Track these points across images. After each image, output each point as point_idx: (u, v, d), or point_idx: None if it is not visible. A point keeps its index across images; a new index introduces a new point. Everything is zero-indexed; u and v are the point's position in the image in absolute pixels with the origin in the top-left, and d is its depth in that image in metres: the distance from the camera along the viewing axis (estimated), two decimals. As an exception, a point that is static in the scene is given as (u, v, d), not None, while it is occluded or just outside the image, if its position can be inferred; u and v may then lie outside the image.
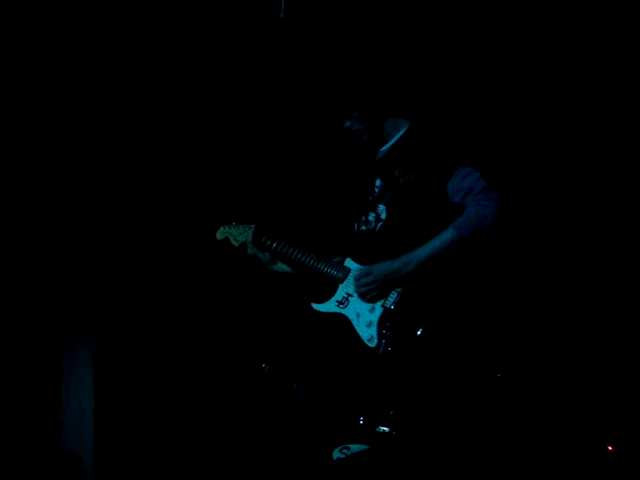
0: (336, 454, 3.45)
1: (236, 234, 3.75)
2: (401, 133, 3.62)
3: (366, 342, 3.37)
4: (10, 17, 4.45)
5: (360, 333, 3.39)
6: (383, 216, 3.52)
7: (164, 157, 4.95)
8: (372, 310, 3.40)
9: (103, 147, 4.88)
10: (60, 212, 4.81)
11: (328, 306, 3.50)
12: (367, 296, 3.40)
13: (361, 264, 3.49)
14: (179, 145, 4.98)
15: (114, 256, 4.88)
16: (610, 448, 4.18)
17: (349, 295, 3.48)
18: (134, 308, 4.86)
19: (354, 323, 3.42)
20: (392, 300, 3.37)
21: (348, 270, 3.52)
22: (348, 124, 3.60)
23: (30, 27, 4.52)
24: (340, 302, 3.49)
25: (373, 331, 3.36)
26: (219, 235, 3.79)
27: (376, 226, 3.52)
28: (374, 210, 3.55)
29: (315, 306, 3.52)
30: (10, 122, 4.69)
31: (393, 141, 3.62)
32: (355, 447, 3.46)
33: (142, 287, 4.89)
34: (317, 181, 4.98)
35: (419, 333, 3.28)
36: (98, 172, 4.89)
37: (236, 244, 3.73)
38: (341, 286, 3.51)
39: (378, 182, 3.60)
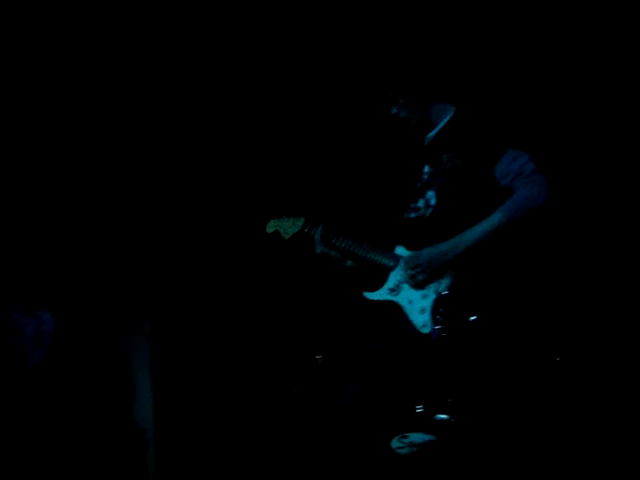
0: (395, 443, 3.43)
1: (286, 227, 3.75)
2: (447, 118, 3.59)
3: (419, 329, 3.34)
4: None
5: (413, 320, 3.37)
6: (432, 202, 3.49)
7: (212, 156, 4.98)
8: (424, 296, 3.37)
9: (152, 153, 4.92)
10: (116, 213, 4.86)
11: (380, 294, 3.49)
12: (418, 282, 3.38)
13: (412, 250, 3.47)
14: (223, 143, 5.00)
15: (167, 254, 4.92)
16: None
17: (401, 282, 3.46)
18: (188, 296, 4.90)
19: (407, 310, 3.40)
20: (444, 285, 3.34)
21: (399, 257, 3.50)
22: (395, 112, 3.58)
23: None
24: (392, 289, 3.47)
25: (426, 317, 3.34)
26: (269, 229, 3.80)
27: (426, 212, 3.50)
28: (423, 196, 3.53)
29: (367, 295, 3.51)
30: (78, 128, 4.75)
31: (440, 126, 3.60)
32: (414, 436, 3.43)
33: (194, 280, 4.92)
34: (365, 170, 4.97)
35: (473, 318, 3.24)
36: (149, 176, 4.93)
37: (286, 237, 3.74)
38: (392, 273, 3.50)
39: (426, 168, 3.58)
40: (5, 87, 4.62)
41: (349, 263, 3.69)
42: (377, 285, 3.52)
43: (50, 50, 4.67)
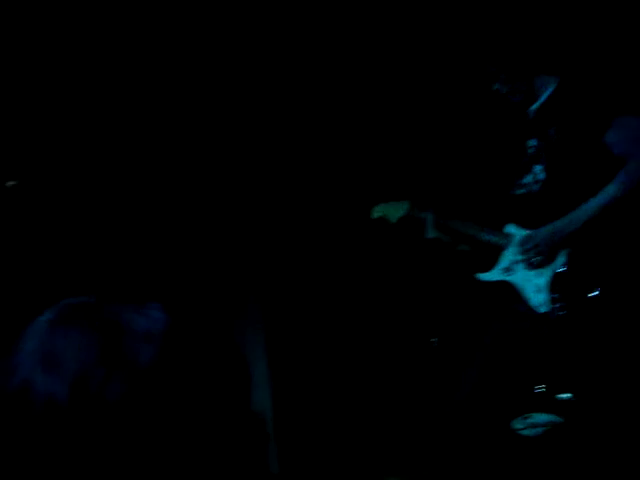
0: (517, 424, 3.38)
1: (392, 211, 3.73)
2: (551, 90, 3.49)
3: (536, 308, 3.28)
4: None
5: (529, 300, 3.30)
6: (541, 176, 3.41)
7: (318, 151, 4.98)
8: (540, 275, 3.30)
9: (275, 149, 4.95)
10: (227, 210, 4.92)
11: (493, 275, 3.43)
12: (533, 261, 3.31)
13: (524, 228, 3.40)
14: (329, 128, 4.99)
15: (279, 243, 4.96)
16: None
17: (515, 262, 3.39)
18: (300, 285, 4.93)
19: (522, 290, 3.33)
20: (560, 263, 3.26)
21: (511, 236, 3.43)
22: (497, 87, 3.51)
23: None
24: (506, 269, 3.41)
25: (543, 296, 3.27)
26: (375, 214, 3.78)
27: (535, 187, 3.42)
28: (530, 171, 3.45)
29: (481, 276, 3.46)
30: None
31: (543, 99, 3.50)
32: (537, 416, 3.38)
33: (306, 269, 4.95)
34: (470, 149, 4.89)
35: (592, 294, 3.16)
36: (261, 173, 4.97)
37: (393, 221, 3.71)
38: (505, 253, 3.43)
39: (532, 142, 3.49)
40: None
41: (462, 247, 3.64)
42: (489, 266, 3.47)
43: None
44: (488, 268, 3.46)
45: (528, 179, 3.46)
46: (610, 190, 3.17)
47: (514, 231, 3.44)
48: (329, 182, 4.84)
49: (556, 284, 3.25)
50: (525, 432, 3.36)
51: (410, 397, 4.61)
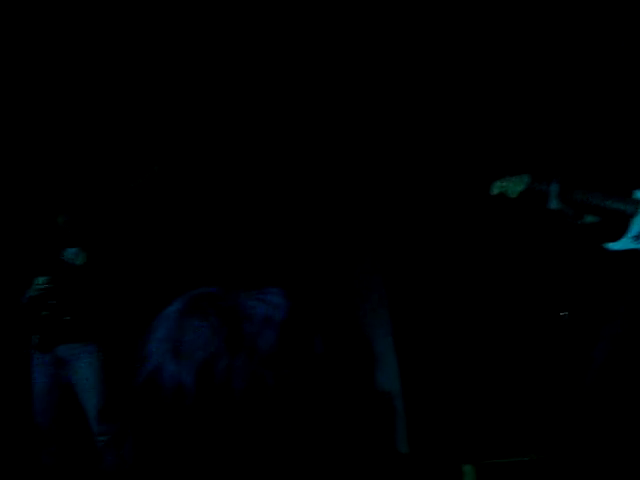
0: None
1: (512, 186, 3.64)
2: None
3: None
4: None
5: (664, 267, 3.17)
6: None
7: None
8: (674, 241, 3.17)
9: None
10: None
11: (623, 243, 3.30)
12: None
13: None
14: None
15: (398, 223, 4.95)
16: None
17: (646, 228, 3.26)
18: (424, 262, 4.91)
19: (655, 257, 3.21)
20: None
21: None
22: None
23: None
24: (637, 237, 3.27)
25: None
26: (495, 190, 3.70)
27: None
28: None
29: (610, 245, 3.33)
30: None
31: None
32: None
33: (428, 248, 4.93)
34: (591, 115, 4.74)
35: None
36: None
37: (513, 195, 3.63)
38: (636, 220, 3.30)
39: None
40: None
41: (588, 219, 3.52)
42: (618, 235, 3.34)
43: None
44: (617, 237, 3.33)
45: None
46: None
47: (643, 197, 3.31)
48: (449, 162, 4.80)
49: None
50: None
51: (540, 372, 4.52)
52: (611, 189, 3.41)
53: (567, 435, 3.47)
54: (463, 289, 4.87)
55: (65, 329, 4.02)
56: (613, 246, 3.33)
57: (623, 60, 3.41)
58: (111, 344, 4.13)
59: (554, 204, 3.47)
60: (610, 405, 3.28)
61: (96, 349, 4.07)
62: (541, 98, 4.73)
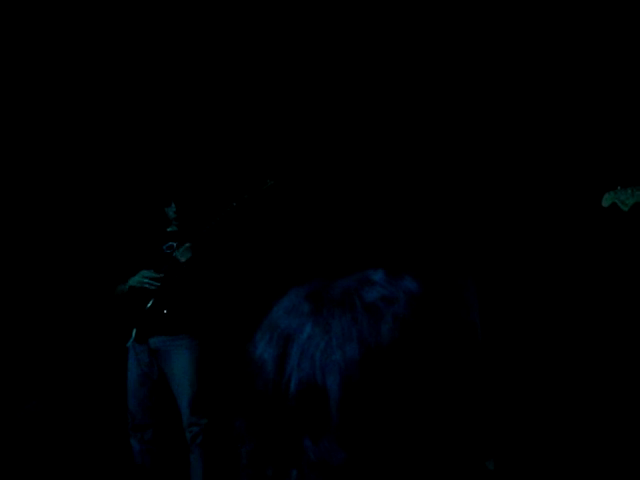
0: None
1: (624, 198, 3.54)
2: None
3: None
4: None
5: None
6: None
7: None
8: None
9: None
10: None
11: None
12: None
13: None
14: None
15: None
16: None
17: None
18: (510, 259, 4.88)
19: None
20: None
21: None
22: None
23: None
24: None
25: None
26: (605, 202, 3.60)
27: None
28: None
29: None
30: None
31: None
32: None
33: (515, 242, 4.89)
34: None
35: None
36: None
37: (625, 208, 3.52)
38: None
39: None
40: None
41: None
42: None
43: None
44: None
45: None
46: None
47: None
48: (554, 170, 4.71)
49: None
50: None
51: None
52: None
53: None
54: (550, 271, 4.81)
55: (162, 322, 4.07)
56: None
57: None
58: (207, 338, 4.17)
59: None
60: None
61: (192, 342, 4.11)
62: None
